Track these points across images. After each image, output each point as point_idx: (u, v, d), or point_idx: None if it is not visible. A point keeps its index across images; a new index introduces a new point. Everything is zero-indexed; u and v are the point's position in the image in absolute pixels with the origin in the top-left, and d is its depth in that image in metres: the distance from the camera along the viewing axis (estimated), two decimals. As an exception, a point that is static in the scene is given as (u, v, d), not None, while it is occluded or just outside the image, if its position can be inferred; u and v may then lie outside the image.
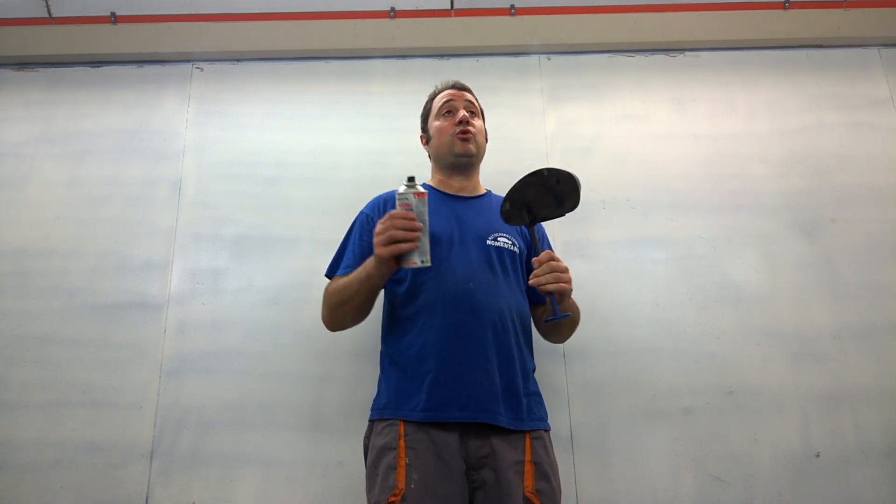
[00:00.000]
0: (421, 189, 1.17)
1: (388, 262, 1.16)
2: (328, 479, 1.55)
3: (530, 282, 1.21)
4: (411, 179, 1.17)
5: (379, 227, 1.16)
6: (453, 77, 1.56)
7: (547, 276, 1.19)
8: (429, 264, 1.15)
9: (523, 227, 1.46)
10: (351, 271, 1.32)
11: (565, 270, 1.22)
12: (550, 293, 1.20)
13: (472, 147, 1.44)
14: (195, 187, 1.82)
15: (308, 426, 1.59)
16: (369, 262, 1.22)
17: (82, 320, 1.69)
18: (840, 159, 1.86)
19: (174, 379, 1.63)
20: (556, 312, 1.20)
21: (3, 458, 1.57)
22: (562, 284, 1.20)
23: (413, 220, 1.14)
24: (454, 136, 1.44)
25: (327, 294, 1.35)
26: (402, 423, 1.21)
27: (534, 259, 1.22)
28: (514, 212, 1.26)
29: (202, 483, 1.55)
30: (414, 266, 1.15)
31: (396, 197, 1.17)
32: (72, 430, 1.59)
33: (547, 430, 1.32)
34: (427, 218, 1.16)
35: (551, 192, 1.24)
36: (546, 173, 1.22)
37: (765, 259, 1.76)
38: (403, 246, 1.13)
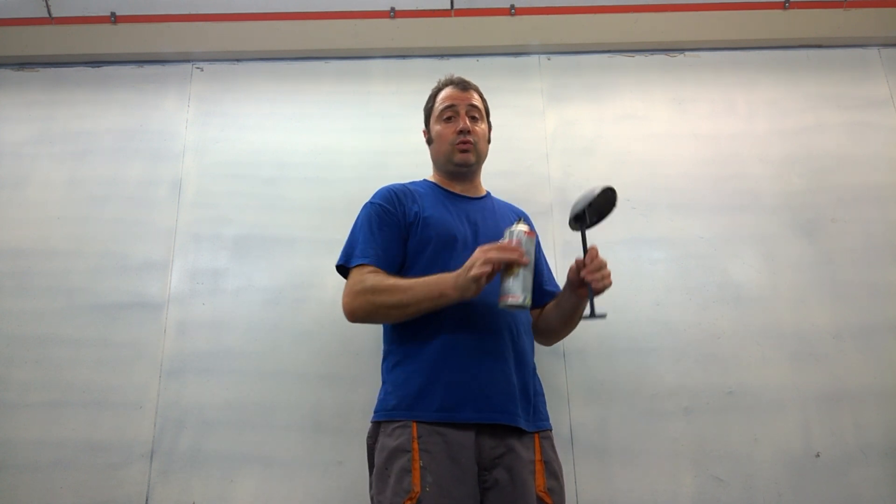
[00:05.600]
0: (529, 229, 1.18)
1: (477, 286, 1.13)
2: (328, 479, 1.55)
3: (583, 274, 1.23)
4: (521, 220, 1.20)
5: (478, 252, 1.14)
6: (453, 77, 1.56)
7: (597, 273, 1.22)
8: (529, 305, 1.14)
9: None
10: (373, 262, 1.29)
11: (606, 265, 1.25)
12: (591, 291, 1.23)
13: (471, 157, 1.43)
14: (195, 187, 1.82)
15: (308, 426, 1.59)
16: (446, 282, 1.18)
17: (82, 320, 1.69)
18: (840, 159, 1.86)
19: (174, 379, 1.64)
20: (592, 309, 1.23)
21: (3, 458, 1.57)
22: (606, 281, 1.23)
23: (523, 253, 1.13)
24: (454, 146, 1.42)
25: (370, 288, 1.26)
26: (415, 424, 1.20)
27: (584, 258, 1.25)
28: (584, 219, 1.29)
29: (202, 483, 1.55)
30: (515, 302, 1.11)
31: (506, 232, 1.17)
32: (72, 430, 1.59)
33: (551, 429, 1.33)
34: (534, 259, 1.16)
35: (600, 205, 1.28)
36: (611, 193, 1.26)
37: (765, 259, 1.76)
38: (505, 261, 1.12)
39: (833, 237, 1.78)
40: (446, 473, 1.15)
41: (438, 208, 1.38)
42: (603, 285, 1.23)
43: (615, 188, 1.25)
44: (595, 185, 1.25)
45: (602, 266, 1.24)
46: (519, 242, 1.15)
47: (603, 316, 1.22)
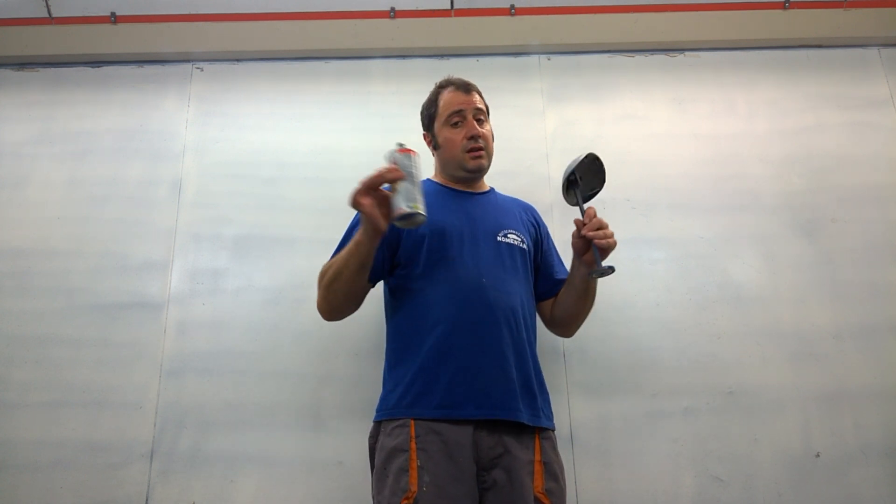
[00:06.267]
0: (408, 147, 1.14)
1: (369, 219, 1.09)
2: (328, 479, 1.55)
3: (583, 233, 1.24)
4: (400, 144, 1.15)
5: (364, 181, 1.11)
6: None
7: (596, 231, 1.23)
8: (419, 211, 1.08)
9: (530, 225, 1.49)
10: None
11: (607, 226, 1.26)
12: (595, 249, 1.24)
13: (485, 162, 1.44)
14: (195, 187, 1.82)
15: (308, 426, 1.59)
16: (359, 231, 1.18)
17: (82, 320, 1.69)
18: (840, 159, 1.86)
19: (174, 379, 1.63)
20: (599, 265, 1.22)
21: (3, 458, 1.57)
22: (609, 240, 1.24)
23: (393, 168, 1.09)
24: (466, 153, 1.42)
25: (319, 277, 1.32)
26: (413, 423, 1.20)
27: (581, 219, 1.28)
28: (577, 182, 1.32)
29: (202, 483, 1.55)
30: (401, 214, 1.07)
31: (387, 157, 1.15)
32: (72, 430, 1.59)
33: (553, 429, 1.33)
34: (414, 171, 1.11)
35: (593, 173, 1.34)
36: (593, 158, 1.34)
37: (765, 259, 1.76)
38: (378, 216, 1.08)
39: (833, 237, 1.78)
40: (444, 473, 1.15)
41: (434, 206, 1.37)
42: (607, 243, 1.24)
43: (599, 155, 1.31)
44: (580, 154, 1.30)
45: (603, 225, 1.25)
46: (393, 161, 1.12)
47: (611, 270, 1.21)
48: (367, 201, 1.08)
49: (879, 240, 1.77)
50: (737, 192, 1.82)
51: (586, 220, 1.26)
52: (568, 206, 1.85)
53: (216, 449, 1.57)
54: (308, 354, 1.65)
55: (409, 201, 1.08)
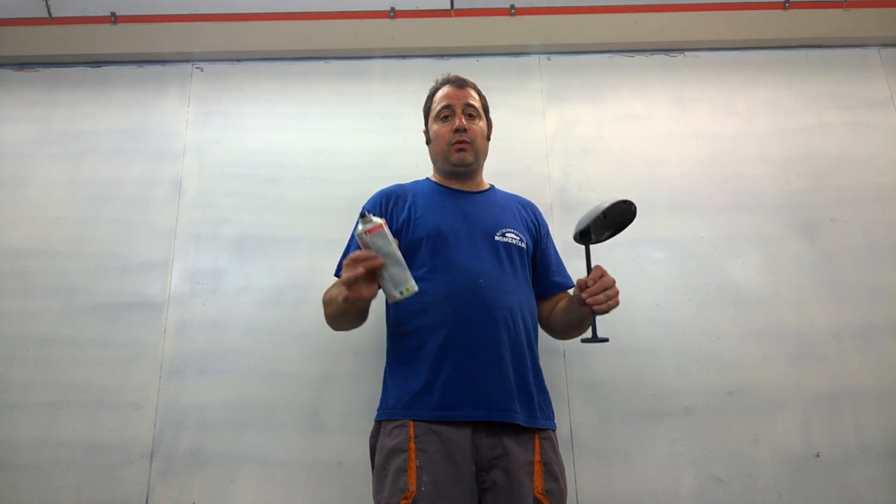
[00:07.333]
0: (375, 223, 1.11)
1: (356, 302, 1.13)
2: (328, 479, 1.55)
3: (584, 296, 1.19)
4: (363, 215, 1.11)
5: (343, 272, 1.13)
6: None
7: (599, 296, 1.19)
8: (409, 293, 1.12)
9: (529, 224, 1.48)
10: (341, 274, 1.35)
11: (613, 284, 1.21)
12: (594, 314, 1.20)
13: (468, 157, 1.43)
14: (195, 187, 1.82)
15: (308, 426, 1.59)
16: (341, 293, 1.19)
17: (82, 320, 1.69)
18: (840, 159, 1.86)
19: (174, 379, 1.64)
20: (594, 333, 1.20)
21: (3, 458, 1.57)
22: (610, 302, 1.19)
23: (372, 256, 1.10)
24: (450, 146, 1.42)
25: (323, 302, 1.36)
26: (412, 423, 1.21)
27: (586, 278, 1.21)
28: (589, 236, 1.24)
29: (202, 483, 1.55)
30: (397, 300, 1.13)
31: (356, 236, 1.14)
32: (72, 430, 1.59)
33: (554, 429, 1.33)
34: (391, 248, 1.11)
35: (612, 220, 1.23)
36: (631, 208, 1.20)
37: (765, 259, 1.76)
38: (365, 293, 1.11)
39: (833, 237, 1.78)
40: (443, 473, 1.16)
41: (431, 206, 1.39)
42: (607, 307, 1.19)
43: (632, 200, 1.19)
44: (604, 200, 1.19)
45: (607, 286, 1.19)
46: (366, 245, 1.11)
47: (605, 340, 1.19)
48: (351, 295, 1.11)
49: (879, 240, 1.77)
50: (737, 192, 1.82)
51: (590, 282, 1.20)
52: (568, 205, 1.85)
53: (216, 449, 1.57)
54: (308, 354, 1.65)
55: (398, 286, 1.12)
